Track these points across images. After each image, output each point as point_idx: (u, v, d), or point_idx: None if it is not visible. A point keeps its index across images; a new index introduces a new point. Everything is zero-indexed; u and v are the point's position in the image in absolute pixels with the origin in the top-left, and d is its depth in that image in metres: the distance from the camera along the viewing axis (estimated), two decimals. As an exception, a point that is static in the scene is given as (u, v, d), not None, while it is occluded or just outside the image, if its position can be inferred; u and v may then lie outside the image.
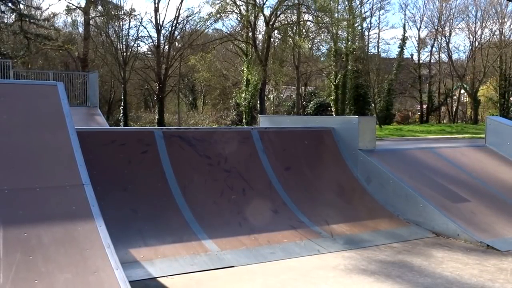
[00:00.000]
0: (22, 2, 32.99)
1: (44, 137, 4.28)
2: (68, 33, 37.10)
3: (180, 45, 35.74)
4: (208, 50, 34.71)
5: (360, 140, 7.05)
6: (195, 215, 5.41)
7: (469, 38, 44.48)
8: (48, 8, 54.25)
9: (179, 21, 34.40)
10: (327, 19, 34.71)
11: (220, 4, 33.80)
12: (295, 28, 36.07)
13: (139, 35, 37.58)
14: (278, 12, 34.02)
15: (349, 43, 37.59)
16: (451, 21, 42.71)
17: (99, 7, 34.85)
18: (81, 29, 36.43)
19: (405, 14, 57.27)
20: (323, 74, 42.52)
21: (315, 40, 40.10)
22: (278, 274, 4.38)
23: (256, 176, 6.39)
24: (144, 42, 51.49)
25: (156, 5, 33.66)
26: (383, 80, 39.29)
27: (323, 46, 41.49)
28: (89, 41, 33.94)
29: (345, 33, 37.66)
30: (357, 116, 7.35)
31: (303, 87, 42.35)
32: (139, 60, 36.35)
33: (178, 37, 35.93)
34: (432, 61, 45.05)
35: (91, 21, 34.44)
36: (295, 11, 34.90)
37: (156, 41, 34.17)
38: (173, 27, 34.26)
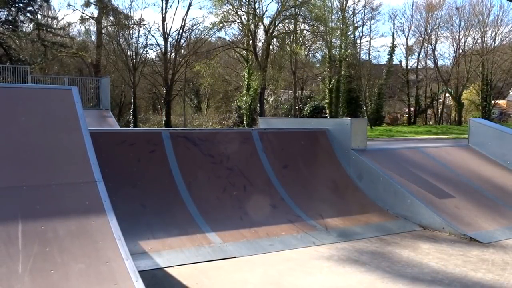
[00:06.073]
0: (39, 12, 33.01)
1: (59, 137, 4.27)
2: (82, 41, 37.05)
3: (186, 52, 35.65)
4: (212, 57, 34.61)
5: (353, 140, 7.04)
6: (200, 210, 5.41)
7: (453, 45, 44.18)
8: (63, 18, 54.03)
9: (184, 30, 34.34)
10: (322, 28, 34.66)
11: (222, 14, 33.75)
12: (292, 36, 36.01)
13: (148, 43, 37.60)
14: (277, 22, 33.95)
15: (342, 50, 37.55)
16: (437, 30, 42.62)
17: (111, 17, 34.81)
18: (94, 38, 36.40)
19: (394, 24, 56.95)
20: (318, 79, 42.49)
21: (311, 47, 40.07)
22: (277, 265, 4.38)
23: (256, 173, 6.38)
24: (152, 49, 51.29)
25: (164, 15, 33.60)
26: (373, 84, 39.23)
27: (318, 53, 41.51)
28: (101, 48, 33.90)
29: (338, 41, 37.62)
30: (349, 118, 7.34)
31: (299, 91, 42.28)
32: (148, 66, 36.27)
33: (183, 44, 35.85)
34: (419, 67, 44.93)
35: (103, 30, 34.40)
36: (292, 20, 34.86)
37: (164, 48, 34.10)
38: (179, 36, 34.21)
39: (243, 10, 33.96)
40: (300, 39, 36.70)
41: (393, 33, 45.76)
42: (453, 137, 25.83)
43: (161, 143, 6.06)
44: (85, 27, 36.54)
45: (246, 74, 34.83)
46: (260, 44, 35.67)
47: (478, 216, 5.90)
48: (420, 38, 43.21)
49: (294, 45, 35.24)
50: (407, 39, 43.75)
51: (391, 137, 27.95)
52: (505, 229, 5.64)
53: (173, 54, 34.67)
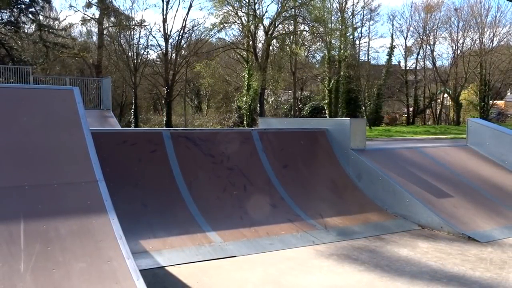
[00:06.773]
0: (41, 13, 33.01)
1: (61, 137, 4.27)
2: (83, 42, 37.09)
3: (186, 53, 35.66)
4: (212, 57, 34.62)
5: (352, 140, 7.04)
6: (200, 209, 5.41)
7: (451, 46, 44.35)
8: (65, 19, 54.22)
9: (185, 31, 34.35)
10: (322, 29, 34.69)
11: (223, 15, 33.76)
12: (292, 37, 36.01)
13: (149, 43, 37.81)
14: (277, 23, 33.97)
15: (342, 51, 37.53)
16: (435, 31, 42.62)
17: (112, 18, 34.81)
18: (95, 38, 36.40)
19: (393, 25, 56.74)
20: (318, 80, 42.49)
21: (311, 48, 40.14)
22: (276, 264, 4.37)
23: (256, 173, 6.38)
24: (153, 50, 51.38)
25: (164, 16, 33.62)
26: (372, 85, 39.24)
27: (317, 54, 41.57)
28: (103, 49, 33.91)
29: (338, 41, 37.62)
30: (348, 118, 7.34)
31: (299, 92, 42.30)
32: (149, 67, 36.28)
33: (184, 45, 35.85)
34: (417, 67, 44.94)
35: (104, 31, 34.41)
36: (292, 21, 34.87)
37: (164, 49, 34.13)
38: (180, 37, 34.22)
39: (243, 11, 34.00)
40: (300, 40, 36.71)
41: (392, 34, 45.89)
42: (452, 137, 25.81)
43: (162, 143, 6.07)
44: (86, 28, 36.62)
45: (246, 75, 34.83)
46: (260, 45, 35.71)
47: (476, 215, 5.90)
48: (419, 39, 43.24)
49: (293, 46, 35.23)
50: (405, 39, 43.83)
51: (390, 137, 27.93)
52: (503, 228, 5.64)
53: (173, 54, 34.69)
